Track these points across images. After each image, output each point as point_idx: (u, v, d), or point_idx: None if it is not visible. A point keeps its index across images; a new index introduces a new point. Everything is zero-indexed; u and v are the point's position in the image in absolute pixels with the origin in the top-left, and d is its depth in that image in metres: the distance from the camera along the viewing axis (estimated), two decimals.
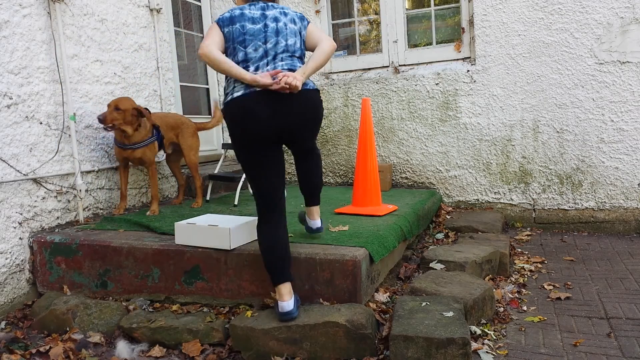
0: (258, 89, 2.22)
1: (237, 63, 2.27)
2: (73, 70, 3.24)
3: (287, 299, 2.23)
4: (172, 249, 2.65)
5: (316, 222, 2.66)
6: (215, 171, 4.05)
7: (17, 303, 2.85)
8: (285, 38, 2.33)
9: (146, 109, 3.46)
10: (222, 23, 2.31)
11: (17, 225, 2.87)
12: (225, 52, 2.32)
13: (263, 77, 2.20)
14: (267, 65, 2.28)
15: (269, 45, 2.30)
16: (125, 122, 3.15)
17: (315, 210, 2.64)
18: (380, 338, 2.20)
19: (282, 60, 2.31)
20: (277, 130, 2.26)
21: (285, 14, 2.37)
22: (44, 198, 3.03)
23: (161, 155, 3.91)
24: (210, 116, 4.93)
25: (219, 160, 4.27)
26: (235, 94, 2.25)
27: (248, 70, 2.25)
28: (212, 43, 2.25)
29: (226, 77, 2.36)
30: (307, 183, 2.56)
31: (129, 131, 3.17)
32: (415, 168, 4.50)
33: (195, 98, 4.80)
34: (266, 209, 2.33)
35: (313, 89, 2.35)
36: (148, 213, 3.29)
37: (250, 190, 2.50)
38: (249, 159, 2.31)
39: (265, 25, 2.31)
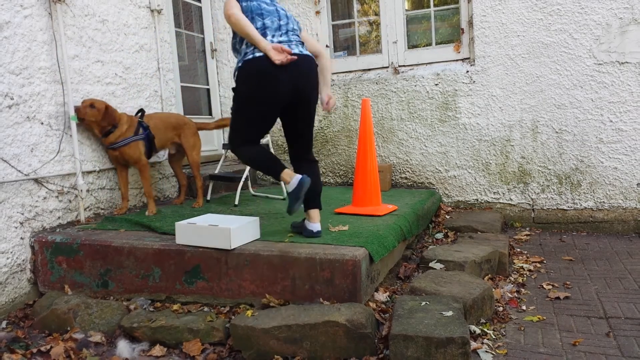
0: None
1: (256, 29, 2.59)
2: (74, 71, 3.25)
3: (290, 177, 2.61)
4: (172, 249, 2.66)
5: (317, 225, 2.75)
6: (216, 171, 4.06)
7: (18, 303, 2.86)
8: (293, 22, 2.74)
9: (141, 109, 3.49)
10: None
11: (18, 225, 2.88)
12: None
13: (276, 50, 2.50)
14: (282, 36, 2.64)
15: (282, 22, 2.68)
16: (95, 121, 3.18)
17: (317, 213, 2.76)
18: (380, 337, 2.21)
19: (294, 34, 2.69)
20: (291, 89, 2.59)
21: (288, 12, 2.80)
22: (45, 198, 3.04)
23: (162, 156, 3.92)
24: (210, 116, 4.94)
25: (219, 161, 4.28)
26: (257, 54, 2.55)
27: (266, 37, 2.59)
28: (237, 10, 2.58)
29: (243, 42, 2.65)
30: (311, 187, 2.72)
31: (96, 131, 3.23)
32: (414, 168, 4.51)
33: (196, 98, 4.81)
34: (247, 143, 2.69)
35: (312, 57, 2.72)
36: (147, 213, 3.30)
37: (232, 136, 2.75)
38: (254, 116, 2.62)
39: (277, 10, 2.71)
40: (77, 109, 3.17)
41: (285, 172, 2.65)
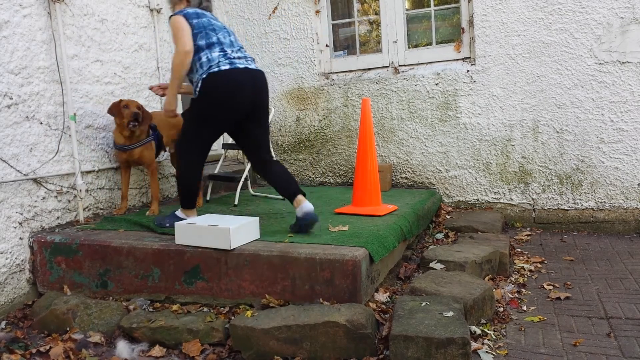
0: (241, 66, 2.77)
1: (212, 44, 2.78)
2: (73, 71, 3.24)
3: (192, 217, 2.93)
4: (172, 249, 2.66)
5: (308, 205, 2.79)
6: (216, 171, 4.05)
7: (17, 303, 2.85)
8: (238, 40, 2.96)
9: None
10: (188, 16, 2.78)
11: (17, 225, 2.87)
12: (195, 37, 2.77)
13: (167, 106, 2.95)
14: (237, 52, 2.84)
15: (232, 38, 2.89)
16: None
17: (302, 198, 2.83)
18: (380, 338, 2.20)
19: (245, 51, 2.92)
20: (252, 100, 2.80)
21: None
22: (44, 198, 3.03)
23: (161, 156, 3.92)
24: None
25: (218, 161, 4.28)
26: (222, 67, 2.73)
27: (225, 52, 2.78)
28: (190, 42, 2.76)
29: (199, 59, 2.77)
30: (285, 180, 2.87)
31: (137, 132, 3.24)
32: (415, 168, 4.50)
33: None
34: (199, 157, 2.87)
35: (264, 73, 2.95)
36: (148, 213, 3.29)
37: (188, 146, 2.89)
38: (212, 126, 2.79)
39: (224, 27, 2.92)
40: (138, 115, 3.16)
41: (193, 211, 2.97)
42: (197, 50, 2.77)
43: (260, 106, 2.87)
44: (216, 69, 2.72)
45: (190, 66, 2.80)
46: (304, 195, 2.82)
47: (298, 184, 2.87)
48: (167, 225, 2.95)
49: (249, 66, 2.81)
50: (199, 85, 2.74)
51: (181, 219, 2.93)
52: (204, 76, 2.73)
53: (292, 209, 3.50)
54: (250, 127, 2.89)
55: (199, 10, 2.86)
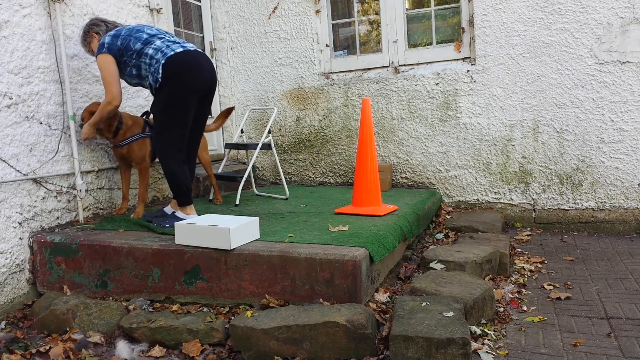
0: (191, 48, 2.89)
1: (148, 40, 2.91)
2: (73, 70, 3.24)
3: (194, 213, 3.02)
4: (172, 249, 2.65)
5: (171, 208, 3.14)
6: (219, 171, 4.06)
7: (17, 303, 2.85)
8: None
9: (147, 112, 3.47)
10: (110, 47, 2.89)
11: (17, 225, 2.87)
12: (128, 48, 2.90)
13: (84, 135, 3.09)
14: (173, 38, 3.00)
15: (158, 29, 3.07)
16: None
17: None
18: (380, 338, 2.20)
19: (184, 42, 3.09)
20: (209, 82, 2.93)
21: None
22: (44, 198, 3.03)
23: None
24: (210, 116, 4.92)
25: (218, 161, 4.28)
26: (177, 50, 2.85)
27: (166, 39, 2.94)
28: (120, 99, 2.97)
29: (146, 55, 2.88)
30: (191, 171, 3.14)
31: (105, 133, 3.20)
32: (415, 168, 4.50)
33: None
34: (180, 151, 2.92)
35: None
36: (132, 216, 3.21)
37: (167, 139, 2.94)
38: (183, 107, 2.85)
39: (144, 24, 3.22)
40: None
41: (191, 206, 3.01)
42: (139, 53, 2.88)
43: (214, 86, 2.99)
44: (172, 52, 2.83)
45: (138, 72, 2.92)
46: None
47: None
48: (167, 225, 2.95)
49: (197, 49, 2.93)
50: (160, 72, 2.82)
51: (181, 219, 2.93)
52: (163, 61, 2.82)
53: (293, 209, 3.50)
54: (198, 112, 3.03)
55: (111, 32, 2.94)
